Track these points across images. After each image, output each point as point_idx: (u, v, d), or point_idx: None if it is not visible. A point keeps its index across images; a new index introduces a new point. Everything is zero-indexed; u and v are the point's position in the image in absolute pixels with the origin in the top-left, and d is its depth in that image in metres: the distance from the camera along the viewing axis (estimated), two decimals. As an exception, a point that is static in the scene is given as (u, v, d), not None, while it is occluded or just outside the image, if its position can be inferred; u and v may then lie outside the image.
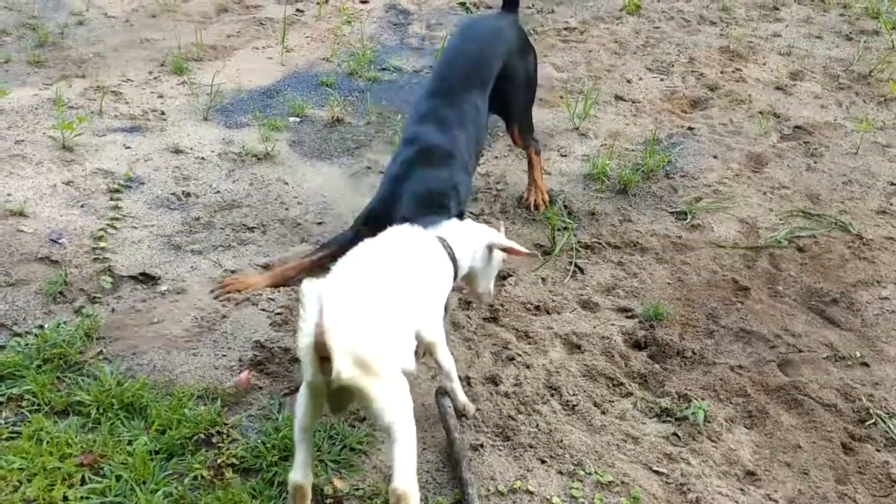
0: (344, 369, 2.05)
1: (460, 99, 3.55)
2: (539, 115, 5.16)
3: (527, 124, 4.16)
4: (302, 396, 2.25)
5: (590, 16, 6.79)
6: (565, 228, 4.06)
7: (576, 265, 3.84)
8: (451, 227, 2.93)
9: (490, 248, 2.99)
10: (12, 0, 6.24)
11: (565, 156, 4.81)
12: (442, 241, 2.85)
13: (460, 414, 2.90)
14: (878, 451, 2.99)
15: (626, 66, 5.95)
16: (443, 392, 2.91)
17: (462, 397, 2.90)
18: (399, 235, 2.69)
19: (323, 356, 2.02)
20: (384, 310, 2.30)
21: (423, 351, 2.79)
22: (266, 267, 3.67)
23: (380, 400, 2.17)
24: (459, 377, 3.09)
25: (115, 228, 3.81)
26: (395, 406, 2.21)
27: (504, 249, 3.01)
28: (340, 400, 2.21)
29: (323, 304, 1.99)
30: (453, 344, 3.28)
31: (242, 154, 4.50)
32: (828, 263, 4.00)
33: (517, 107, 4.03)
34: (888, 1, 7.32)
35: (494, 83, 3.76)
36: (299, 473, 2.31)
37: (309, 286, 2.06)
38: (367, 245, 2.57)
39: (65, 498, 2.50)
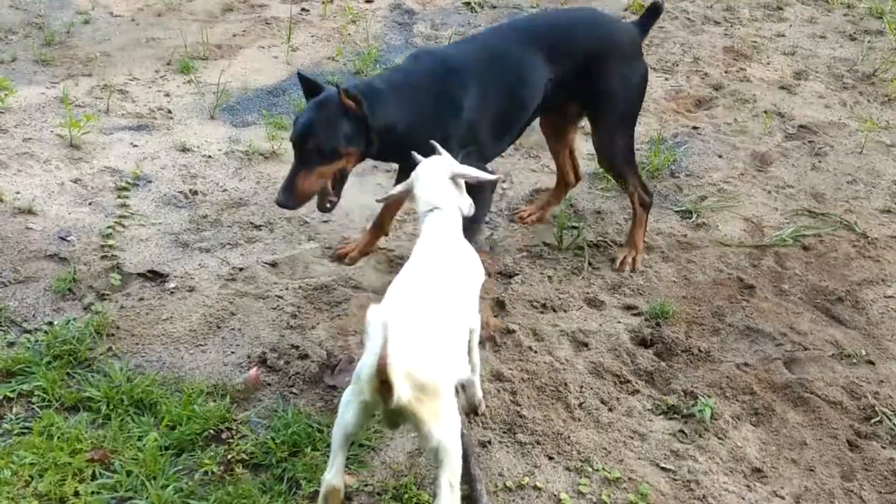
0: (403, 396, 2.12)
1: (497, 43, 3.55)
2: (544, 115, 5.18)
3: (615, 144, 3.78)
4: (352, 407, 2.27)
5: (594, 15, 6.80)
6: (573, 227, 4.07)
7: (586, 263, 3.85)
8: (445, 197, 2.80)
9: (454, 180, 2.85)
10: (18, -1, 6.27)
11: (570, 155, 4.82)
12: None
13: (471, 408, 2.91)
14: (883, 448, 3.00)
15: (631, 65, 5.96)
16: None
17: (479, 391, 2.92)
18: (435, 241, 2.69)
19: (383, 381, 2.08)
20: (443, 331, 2.36)
21: None
22: (273, 265, 3.69)
23: (432, 424, 2.21)
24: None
25: (123, 226, 3.83)
26: (445, 431, 2.24)
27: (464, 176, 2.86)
28: (395, 419, 2.26)
29: (387, 334, 2.04)
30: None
31: (249, 152, 4.52)
32: (833, 262, 4.01)
33: (603, 116, 3.75)
34: (892, 1, 7.32)
35: (579, 75, 3.60)
36: (337, 477, 2.31)
37: (374, 314, 2.12)
38: (414, 262, 2.60)
39: (76, 493, 2.52)
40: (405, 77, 3.40)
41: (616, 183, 4.07)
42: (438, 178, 2.82)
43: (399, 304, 2.37)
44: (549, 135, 4.07)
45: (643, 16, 3.91)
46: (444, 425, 2.23)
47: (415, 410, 2.17)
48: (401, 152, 3.14)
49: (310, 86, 3.24)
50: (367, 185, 4.36)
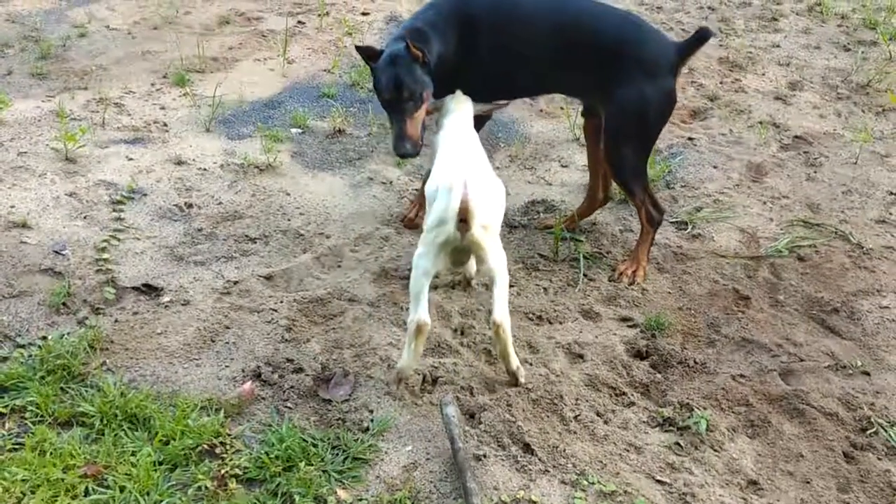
0: (476, 230, 2.87)
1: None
2: (540, 126, 5.20)
3: (620, 156, 3.73)
4: (428, 253, 2.94)
5: (589, 27, 6.81)
6: (574, 240, 4.07)
7: (582, 274, 3.84)
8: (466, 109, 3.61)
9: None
10: (15, 12, 6.28)
11: (566, 166, 4.83)
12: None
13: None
14: (879, 459, 2.99)
15: (626, 76, 5.96)
16: (447, 402, 2.92)
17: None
18: (461, 127, 3.48)
19: (462, 219, 2.84)
20: (490, 185, 3.12)
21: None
22: (268, 278, 3.68)
23: (491, 252, 2.96)
24: (462, 387, 3.11)
25: (118, 240, 3.83)
26: (499, 258, 2.99)
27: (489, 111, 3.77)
28: (462, 255, 3.05)
29: (466, 180, 2.84)
30: (456, 353, 3.30)
31: (244, 165, 4.52)
32: (828, 273, 4.01)
33: (613, 125, 3.69)
34: (886, 12, 7.36)
35: (595, 71, 3.66)
36: (424, 314, 2.89)
37: (446, 176, 2.97)
38: (453, 141, 3.38)
39: (68, 509, 2.51)
40: (436, 14, 3.71)
41: (625, 195, 4.06)
42: (466, 101, 3.62)
43: (460, 167, 3.05)
44: (589, 138, 4.09)
45: (688, 39, 3.76)
46: (498, 257, 2.98)
47: (481, 241, 2.90)
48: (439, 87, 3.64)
49: (368, 52, 3.63)
50: (363, 196, 4.36)
